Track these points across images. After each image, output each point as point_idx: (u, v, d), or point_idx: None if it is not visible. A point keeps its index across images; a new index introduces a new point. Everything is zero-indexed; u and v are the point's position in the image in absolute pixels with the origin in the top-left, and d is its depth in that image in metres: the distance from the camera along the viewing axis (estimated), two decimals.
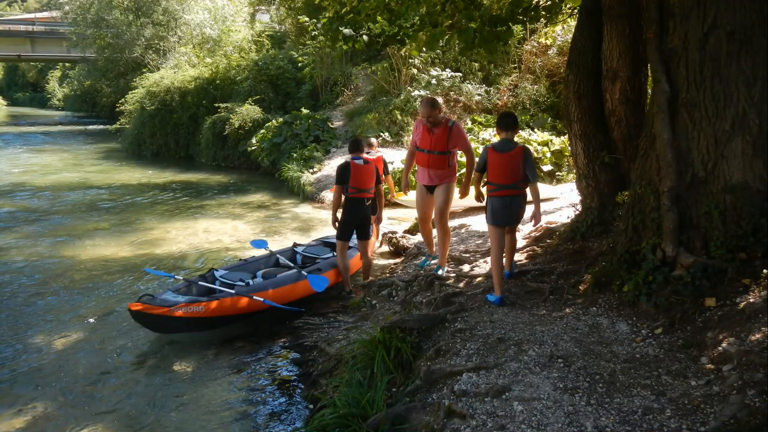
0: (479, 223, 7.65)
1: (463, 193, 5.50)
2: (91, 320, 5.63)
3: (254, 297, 5.23)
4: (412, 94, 13.63)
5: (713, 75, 3.65)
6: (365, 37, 6.20)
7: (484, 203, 4.74)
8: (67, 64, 44.16)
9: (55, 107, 48.70)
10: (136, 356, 4.98)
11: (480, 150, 5.82)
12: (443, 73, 14.09)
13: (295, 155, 13.38)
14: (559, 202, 8.47)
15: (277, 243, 7.79)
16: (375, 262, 6.88)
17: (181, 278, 5.63)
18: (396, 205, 9.82)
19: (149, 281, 6.70)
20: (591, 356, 3.37)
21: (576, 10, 6.02)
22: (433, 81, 13.89)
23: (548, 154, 10.68)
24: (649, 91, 4.66)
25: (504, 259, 4.65)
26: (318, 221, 9.69)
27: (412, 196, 6.59)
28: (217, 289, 5.35)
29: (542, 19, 6.02)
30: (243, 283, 5.56)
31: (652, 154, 4.00)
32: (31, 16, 47.45)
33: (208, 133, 17.11)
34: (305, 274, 5.70)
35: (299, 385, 4.42)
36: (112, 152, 20.34)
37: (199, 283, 5.52)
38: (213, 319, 5.11)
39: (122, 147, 20.92)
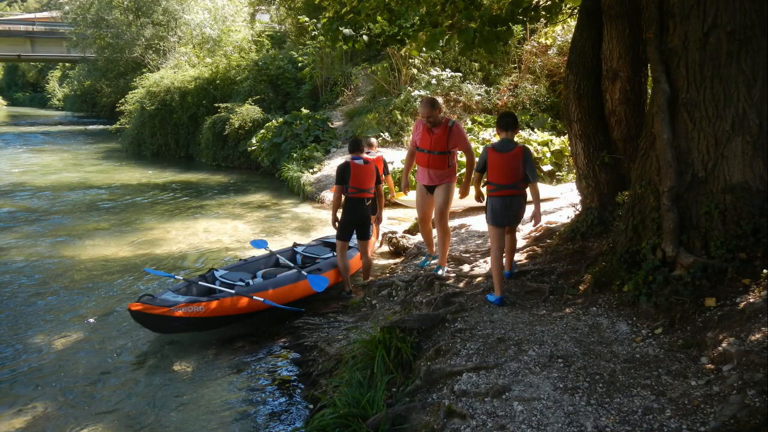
0: (479, 223, 7.65)
1: (463, 193, 5.50)
2: (91, 320, 5.64)
3: (254, 297, 5.23)
4: (412, 94, 13.63)
5: (713, 75, 3.65)
6: (365, 37, 6.20)
7: (484, 203, 4.74)
8: (67, 64, 44.18)
9: (55, 107, 48.72)
10: (136, 356, 4.98)
11: (480, 150, 5.83)
12: (443, 73, 14.09)
13: (295, 155, 13.39)
14: (559, 202, 8.47)
15: (277, 243, 7.80)
16: (375, 262, 6.88)
17: (181, 278, 5.63)
18: (396, 205, 9.82)
19: (149, 281, 6.70)
20: (591, 356, 3.37)
21: (576, 10, 6.03)
22: (433, 81, 13.89)
23: (548, 154, 10.68)
24: (649, 91, 4.66)
25: (504, 259, 4.65)
26: (318, 221, 9.69)
27: (412, 196, 6.60)
28: (217, 289, 5.35)
29: (542, 19, 6.03)
30: (243, 283, 5.56)
31: (652, 154, 4.00)
32: (31, 16, 47.46)
33: (208, 133, 17.12)
34: (305, 274, 5.70)
35: (299, 385, 4.42)
36: (112, 152, 20.35)
37: (199, 283, 5.52)
38: (213, 319, 5.12)
39: (122, 147, 20.93)
